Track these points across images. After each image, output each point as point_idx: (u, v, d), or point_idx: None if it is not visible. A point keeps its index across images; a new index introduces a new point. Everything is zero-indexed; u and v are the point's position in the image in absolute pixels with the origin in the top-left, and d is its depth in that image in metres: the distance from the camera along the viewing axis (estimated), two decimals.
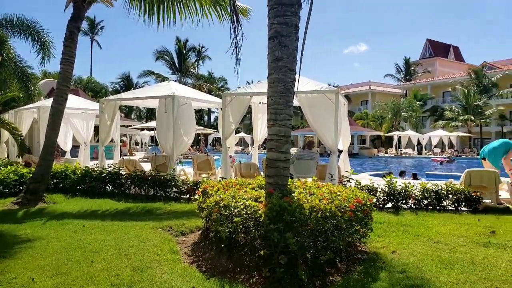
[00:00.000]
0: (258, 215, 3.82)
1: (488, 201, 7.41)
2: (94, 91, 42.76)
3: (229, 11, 7.44)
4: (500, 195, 7.78)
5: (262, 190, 4.74)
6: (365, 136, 42.44)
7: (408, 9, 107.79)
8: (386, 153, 37.87)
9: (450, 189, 7.14)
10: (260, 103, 10.40)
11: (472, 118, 35.47)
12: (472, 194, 7.04)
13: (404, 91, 49.69)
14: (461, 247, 4.76)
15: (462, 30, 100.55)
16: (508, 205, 7.42)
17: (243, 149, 41.42)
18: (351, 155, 31.89)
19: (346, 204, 4.02)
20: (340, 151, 9.86)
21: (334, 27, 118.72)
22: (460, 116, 36.38)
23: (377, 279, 3.71)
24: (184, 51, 46.33)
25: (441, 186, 7.21)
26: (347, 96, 48.59)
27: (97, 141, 11.17)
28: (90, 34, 58.22)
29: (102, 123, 10.40)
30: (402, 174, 13.15)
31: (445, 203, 7.14)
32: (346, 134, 9.74)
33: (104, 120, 10.36)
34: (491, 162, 8.32)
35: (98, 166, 9.44)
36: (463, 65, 51.60)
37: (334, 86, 47.66)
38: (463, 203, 7.08)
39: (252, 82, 51.31)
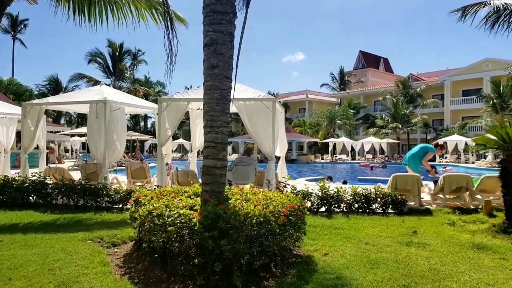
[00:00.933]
0: (193, 224, 3.77)
1: (412, 203, 7.99)
2: (17, 94, 39.28)
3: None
4: (422, 198, 8.43)
5: (198, 198, 4.69)
6: (302, 142, 43.79)
7: (342, 21, 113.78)
8: (322, 159, 39.39)
9: (378, 193, 7.57)
10: (199, 109, 10.30)
11: (400, 126, 38.18)
12: (398, 197, 7.54)
13: (339, 100, 52.13)
14: (387, 247, 5.07)
15: (391, 43, 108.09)
16: (428, 206, 8.07)
17: (182, 156, 40.69)
18: (290, 161, 32.72)
19: (280, 209, 4.11)
20: (278, 158, 10.07)
21: (271, 35, 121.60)
22: (390, 124, 38.94)
23: (309, 281, 3.83)
24: (119, 54, 44.50)
25: (370, 190, 7.64)
26: (286, 104, 49.97)
27: (20, 148, 10.31)
28: (12, 32, 53.54)
29: (25, 128, 9.62)
30: (330, 179, 13.73)
31: (374, 206, 7.56)
32: (283, 141, 9.99)
33: (27, 125, 9.60)
34: (412, 168, 8.94)
35: (20, 175, 8.72)
36: (392, 76, 55.40)
37: (274, 94, 48.95)
38: (390, 206, 7.53)
39: (191, 87, 50.76)
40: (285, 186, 8.03)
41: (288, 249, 4.66)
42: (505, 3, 9.69)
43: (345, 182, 13.28)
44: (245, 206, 4.10)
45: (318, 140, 42.09)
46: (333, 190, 7.58)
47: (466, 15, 10.06)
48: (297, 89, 60.35)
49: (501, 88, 29.67)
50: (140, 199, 4.79)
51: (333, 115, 42.22)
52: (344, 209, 7.50)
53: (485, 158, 27.83)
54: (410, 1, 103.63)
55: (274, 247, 4.00)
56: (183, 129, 50.08)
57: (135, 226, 4.56)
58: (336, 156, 38.46)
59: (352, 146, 38.75)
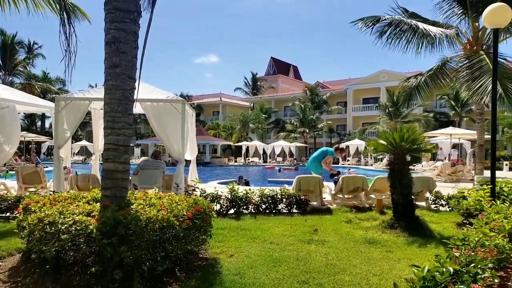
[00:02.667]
0: (90, 231, 3.55)
1: (314, 203, 8.49)
2: None
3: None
4: (324, 198, 9.02)
5: (98, 203, 4.43)
6: (216, 145, 43.96)
7: (253, 26, 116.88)
8: (236, 161, 39.92)
9: (284, 193, 7.92)
10: (101, 109, 9.68)
11: (308, 130, 40.48)
12: (302, 197, 7.96)
13: (252, 104, 53.41)
14: (290, 245, 5.32)
15: (300, 52, 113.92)
16: (329, 205, 8.66)
17: (84, 159, 37.89)
18: (203, 164, 32.57)
19: (185, 213, 4.07)
20: (188, 161, 9.93)
21: (183, 35, 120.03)
22: (298, 129, 41.00)
23: (213, 283, 3.85)
24: (12, 45, 39.52)
25: (276, 191, 7.95)
26: (199, 106, 49.66)
27: None
28: None
29: None
30: (240, 179, 14.04)
31: (280, 206, 7.88)
32: (193, 144, 9.89)
33: None
34: (313, 171, 9.54)
35: None
36: (301, 83, 58.41)
37: (187, 96, 48.28)
38: (295, 206, 7.92)
39: (96, 85, 47.64)
40: (194, 190, 7.95)
41: (194, 253, 4.63)
42: (393, 18, 10.96)
43: (247, 183, 13.66)
44: (148, 211, 3.98)
45: (231, 143, 42.56)
46: (242, 192, 7.72)
47: (363, 27, 11.17)
48: (210, 91, 60.53)
49: (395, 98, 33.14)
50: (30, 206, 4.36)
51: (246, 118, 43.13)
52: (252, 210, 7.69)
53: (381, 161, 30.70)
54: (314, 12, 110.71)
55: (179, 251, 3.96)
56: (86, 130, 46.61)
57: (23, 235, 4.13)
58: (249, 159, 39.30)
59: (264, 149, 39.91)
